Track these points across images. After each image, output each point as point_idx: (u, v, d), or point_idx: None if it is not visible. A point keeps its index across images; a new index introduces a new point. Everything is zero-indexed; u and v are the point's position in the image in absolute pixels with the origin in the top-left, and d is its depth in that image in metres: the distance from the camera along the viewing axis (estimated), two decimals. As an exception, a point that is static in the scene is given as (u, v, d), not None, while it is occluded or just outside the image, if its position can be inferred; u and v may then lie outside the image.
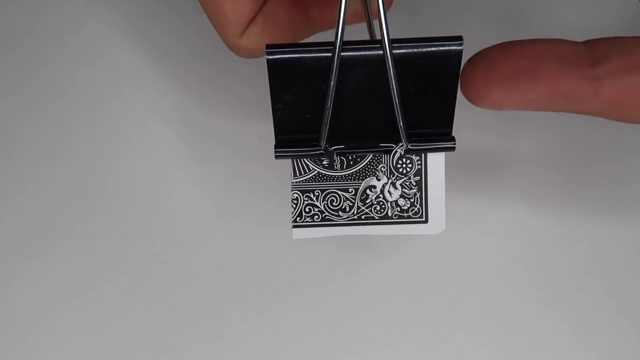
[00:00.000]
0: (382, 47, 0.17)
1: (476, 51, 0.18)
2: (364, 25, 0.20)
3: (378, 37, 0.17)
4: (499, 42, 0.17)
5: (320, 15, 0.21)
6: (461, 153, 0.29)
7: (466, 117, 0.30)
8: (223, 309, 0.28)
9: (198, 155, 0.30)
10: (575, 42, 0.16)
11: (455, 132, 0.20)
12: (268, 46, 0.17)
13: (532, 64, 0.16)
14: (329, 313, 0.27)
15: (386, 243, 0.29)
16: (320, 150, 0.19)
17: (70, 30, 0.32)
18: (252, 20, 0.20)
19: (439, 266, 0.28)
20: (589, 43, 0.16)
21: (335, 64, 0.17)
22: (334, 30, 0.16)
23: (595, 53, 0.16)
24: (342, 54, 0.17)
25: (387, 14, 0.16)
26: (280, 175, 0.27)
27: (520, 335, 0.27)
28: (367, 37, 0.20)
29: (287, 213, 0.21)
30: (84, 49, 0.32)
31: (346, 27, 0.17)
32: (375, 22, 0.19)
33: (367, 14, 0.18)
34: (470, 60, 0.17)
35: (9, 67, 0.31)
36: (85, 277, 0.28)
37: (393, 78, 0.17)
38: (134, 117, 0.30)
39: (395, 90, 0.17)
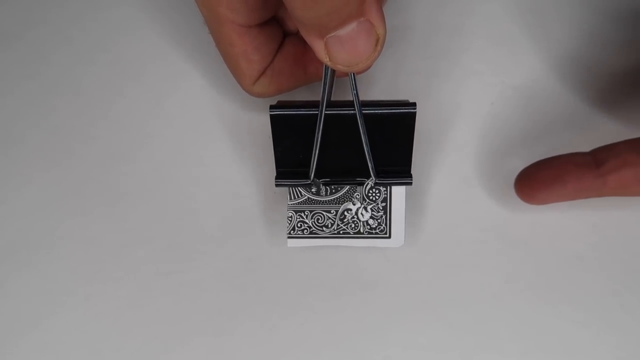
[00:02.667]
0: (355, 109, 0.23)
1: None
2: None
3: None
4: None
5: (316, 71, 0.27)
6: (485, 161, 0.27)
7: (493, 127, 0.28)
8: (229, 322, 0.25)
9: (203, 158, 0.28)
10: (584, 153, 0.24)
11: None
12: (271, 106, 0.23)
13: (560, 172, 0.23)
14: (343, 331, 0.25)
15: (406, 255, 0.26)
16: (310, 181, 0.25)
17: (72, 26, 0.30)
18: (262, 73, 0.26)
19: (464, 281, 0.26)
20: (593, 152, 0.24)
21: (320, 121, 0.23)
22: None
23: (598, 157, 0.23)
24: (325, 112, 0.23)
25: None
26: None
27: (555, 357, 0.25)
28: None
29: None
30: (86, 45, 0.30)
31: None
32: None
33: (351, 75, 0.23)
34: (519, 176, 0.24)
35: (9, 63, 0.30)
36: (82, 286, 0.26)
37: (363, 132, 0.23)
38: (136, 116, 0.29)
39: (365, 140, 0.23)
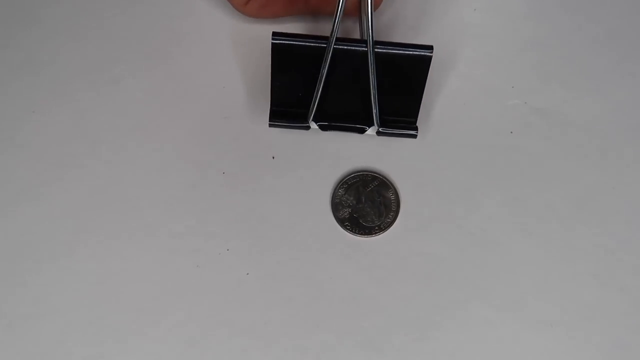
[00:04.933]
0: (367, 46, 0.21)
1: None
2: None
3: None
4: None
5: (317, 6, 0.26)
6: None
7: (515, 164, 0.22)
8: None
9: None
10: None
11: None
12: (274, 33, 0.22)
13: None
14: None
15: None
16: (307, 125, 0.24)
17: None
18: None
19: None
20: None
21: (328, 55, 0.21)
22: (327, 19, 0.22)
23: None
24: (333, 46, 0.21)
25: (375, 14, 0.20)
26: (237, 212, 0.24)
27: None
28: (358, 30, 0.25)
29: (236, 259, 0.24)
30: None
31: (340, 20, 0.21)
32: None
33: (360, 13, 0.23)
34: None
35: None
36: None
37: (372, 73, 0.22)
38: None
39: (373, 82, 0.22)
